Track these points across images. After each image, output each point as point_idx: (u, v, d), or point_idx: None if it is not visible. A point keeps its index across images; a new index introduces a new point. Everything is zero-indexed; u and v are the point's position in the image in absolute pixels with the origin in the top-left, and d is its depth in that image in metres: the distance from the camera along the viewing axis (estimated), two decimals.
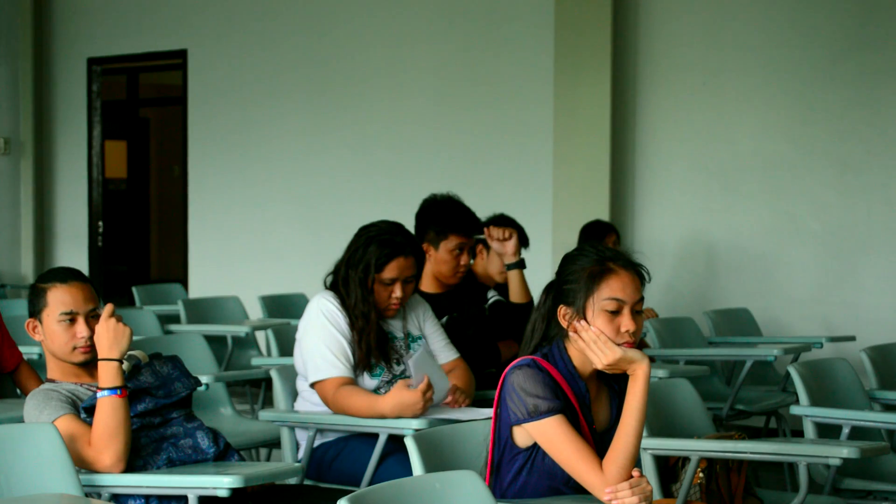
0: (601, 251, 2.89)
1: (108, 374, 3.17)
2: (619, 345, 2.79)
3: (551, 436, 2.78)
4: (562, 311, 2.86)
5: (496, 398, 2.88)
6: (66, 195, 10.22)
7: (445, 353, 4.18)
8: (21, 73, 10.13)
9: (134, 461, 3.21)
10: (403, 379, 3.87)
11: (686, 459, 3.53)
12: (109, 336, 3.19)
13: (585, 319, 2.81)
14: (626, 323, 2.81)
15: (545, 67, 7.82)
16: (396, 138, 8.56)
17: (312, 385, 3.93)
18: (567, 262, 2.92)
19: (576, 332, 2.83)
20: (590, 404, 2.89)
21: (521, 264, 4.86)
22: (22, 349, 4.15)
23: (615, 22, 7.56)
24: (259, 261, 9.10)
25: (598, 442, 2.86)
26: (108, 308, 3.23)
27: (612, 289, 2.82)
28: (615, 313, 2.81)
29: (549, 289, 2.95)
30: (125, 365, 3.27)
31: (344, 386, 3.85)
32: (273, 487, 3.41)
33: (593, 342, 2.80)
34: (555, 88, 7.72)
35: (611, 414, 2.93)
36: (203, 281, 9.34)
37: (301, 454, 4.02)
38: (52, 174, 10.26)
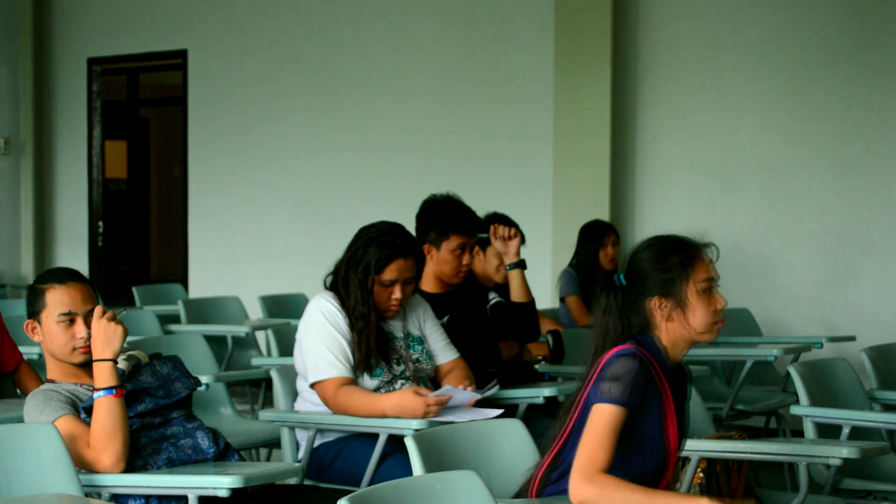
0: (671, 239, 2.91)
1: (102, 374, 3.18)
2: (714, 323, 2.85)
3: (597, 418, 2.74)
4: (656, 302, 2.86)
5: (592, 376, 2.83)
6: (66, 195, 10.22)
7: (445, 353, 4.17)
8: (21, 73, 10.13)
9: (134, 461, 3.21)
10: (413, 386, 3.86)
11: (686, 459, 3.53)
12: (101, 336, 3.20)
13: (687, 306, 2.84)
14: (720, 299, 2.87)
15: (545, 68, 7.82)
16: (396, 139, 8.56)
17: (312, 385, 3.93)
18: (641, 258, 2.91)
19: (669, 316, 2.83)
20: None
21: (521, 264, 4.86)
22: (22, 349, 4.15)
23: (615, 23, 7.56)
24: (259, 261, 9.10)
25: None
26: (99, 309, 3.24)
27: (705, 270, 2.87)
28: (709, 293, 2.86)
29: (610, 287, 2.93)
30: (125, 365, 3.28)
31: (344, 386, 3.85)
32: (273, 487, 3.41)
33: None
34: (555, 89, 7.72)
35: None
36: (203, 281, 9.34)
37: (301, 454, 4.02)
38: (52, 174, 10.26)
